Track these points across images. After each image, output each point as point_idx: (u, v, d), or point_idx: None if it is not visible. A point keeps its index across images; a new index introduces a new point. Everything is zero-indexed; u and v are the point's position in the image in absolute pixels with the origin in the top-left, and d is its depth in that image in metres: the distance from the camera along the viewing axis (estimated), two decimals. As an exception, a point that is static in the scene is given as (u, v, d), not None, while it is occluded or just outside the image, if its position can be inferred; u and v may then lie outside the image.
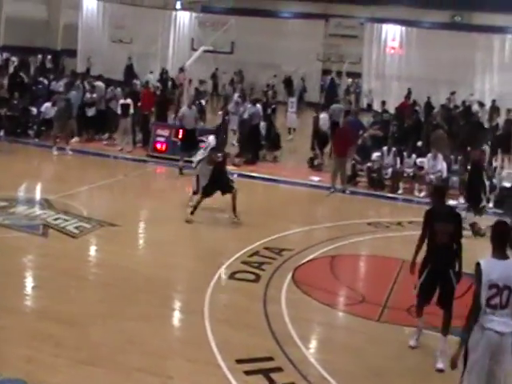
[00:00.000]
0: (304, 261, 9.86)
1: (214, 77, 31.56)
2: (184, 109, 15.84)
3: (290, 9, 34.72)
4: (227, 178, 11.80)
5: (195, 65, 20.61)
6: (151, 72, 28.06)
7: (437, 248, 7.11)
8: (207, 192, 11.45)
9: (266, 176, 15.76)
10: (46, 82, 21.79)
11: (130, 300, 7.97)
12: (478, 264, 5.17)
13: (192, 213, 11.31)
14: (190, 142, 15.17)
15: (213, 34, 20.02)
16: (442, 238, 7.05)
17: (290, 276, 9.14)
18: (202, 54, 20.03)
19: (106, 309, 7.68)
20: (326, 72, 32.92)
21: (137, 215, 12.12)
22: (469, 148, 13.10)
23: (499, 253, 5.22)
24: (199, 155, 12.23)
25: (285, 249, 10.21)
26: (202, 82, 23.38)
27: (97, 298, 8.07)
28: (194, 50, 20.17)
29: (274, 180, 15.55)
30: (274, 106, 18.89)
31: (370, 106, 29.85)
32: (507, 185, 14.43)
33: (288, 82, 30.29)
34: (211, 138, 12.33)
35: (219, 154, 11.69)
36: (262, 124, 17.76)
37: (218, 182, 11.43)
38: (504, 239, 5.26)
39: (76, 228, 10.48)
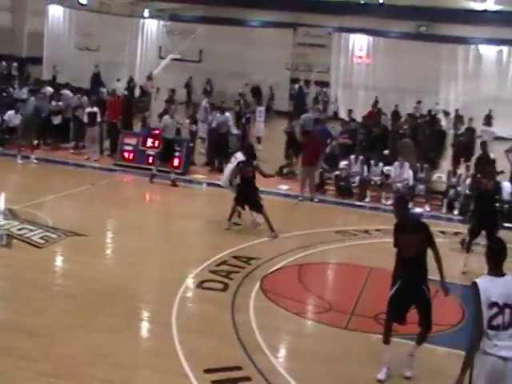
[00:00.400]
0: (272, 269, 9.88)
1: (187, 86, 31.52)
2: (166, 118, 15.79)
3: (259, 18, 34.83)
4: (256, 195, 11.76)
5: (163, 73, 20.56)
6: (118, 80, 27.88)
7: (404, 262, 7.04)
8: (237, 203, 11.59)
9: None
10: (10, 89, 21.47)
11: (96, 311, 7.88)
12: (475, 283, 4.90)
13: (229, 219, 11.71)
14: (169, 151, 15.38)
15: (181, 42, 20.00)
16: (408, 251, 7.00)
17: (258, 285, 9.14)
18: (170, 63, 19.98)
19: (72, 320, 7.57)
20: (294, 81, 33.13)
21: (104, 225, 11.99)
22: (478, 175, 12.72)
23: (496, 270, 4.99)
24: (227, 172, 12.19)
25: (253, 257, 10.22)
26: (172, 90, 23.29)
27: (62, 310, 7.94)
28: (162, 58, 20.12)
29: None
30: (248, 116, 18.90)
31: (336, 114, 30.14)
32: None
33: (256, 91, 30.38)
34: (239, 155, 12.22)
35: (248, 168, 11.75)
36: (236, 133, 17.75)
37: (247, 195, 11.55)
38: (501, 257, 5.05)
39: (41, 238, 10.33)
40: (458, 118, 22.79)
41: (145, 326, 7.89)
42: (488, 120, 22.10)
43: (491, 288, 4.87)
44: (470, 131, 18.39)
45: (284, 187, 15.80)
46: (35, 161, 16.24)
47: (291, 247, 11.00)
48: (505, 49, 30.41)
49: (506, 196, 14.33)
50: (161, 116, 19.03)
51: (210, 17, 32.67)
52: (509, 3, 28.52)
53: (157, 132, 17.02)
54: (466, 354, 4.96)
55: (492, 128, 20.91)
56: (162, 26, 28.84)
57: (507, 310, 4.84)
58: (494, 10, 29.02)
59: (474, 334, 4.91)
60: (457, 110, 25.04)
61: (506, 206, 14.32)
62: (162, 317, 7.86)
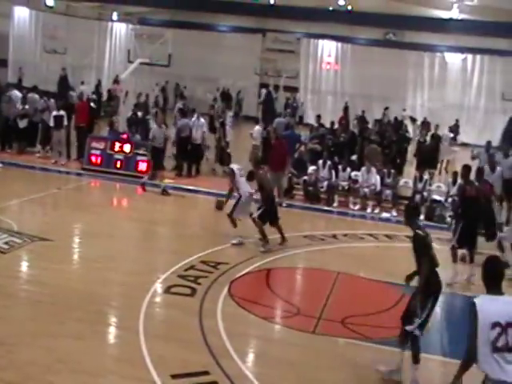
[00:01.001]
0: (240, 274, 9.88)
1: (163, 90, 31.36)
2: (154, 128, 15.56)
3: (228, 23, 34.89)
4: (276, 208, 11.71)
5: (132, 77, 20.42)
6: (83, 83, 27.59)
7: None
8: (264, 220, 11.22)
9: (202, 189, 15.73)
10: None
11: (61, 317, 7.76)
12: (473, 303, 4.72)
13: (265, 242, 11.19)
14: (159, 159, 15.23)
15: (149, 46, 19.88)
16: None
17: (226, 290, 9.13)
18: (138, 67, 19.86)
19: (36, 327, 7.45)
20: (263, 86, 33.26)
21: (70, 230, 11.83)
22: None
23: (495, 290, 4.82)
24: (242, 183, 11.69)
25: (221, 262, 10.20)
26: (139, 94, 23.18)
27: (26, 316, 7.81)
28: (131, 62, 19.97)
29: (212, 193, 15.50)
30: (221, 120, 18.90)
31: (301, 118, 30.32)
32: (436, 197, 14.92)
33: (226, 96, 30.44)
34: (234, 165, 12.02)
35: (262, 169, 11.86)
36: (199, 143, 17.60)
37: (272, 211, 11.35)
38: (500, 276, 4.88)
39: (5, 243, 10.15)
40: (425, 125, 23.22)
41: (111, 331, 7.80)
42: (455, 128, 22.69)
43: (491, 308, 4.69)
44: (436, 138, 18.66)
45: (252, 191, 15.79)
46: (0, 164, 15.97)
47: (258, 252, 11.01)
48: (469, 57, 31.01)
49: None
50: (129, 120, 18.98)
51: (179, 21, 32.64)
52: (473, 12, 29.14)
53: (124, 136, 16.92)
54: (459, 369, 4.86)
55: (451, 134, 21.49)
56: (130, 29, 28.57)
57: (510, 330, 4.63)
58: (459, 18, 29.58)
59: (466, 354, 4.79)
60: (424, 118, 25.52)
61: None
62: (128, 322, 7.79)
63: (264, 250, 11.00)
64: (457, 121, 26.41)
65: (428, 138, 18.97)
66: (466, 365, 4.78)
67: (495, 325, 4.62)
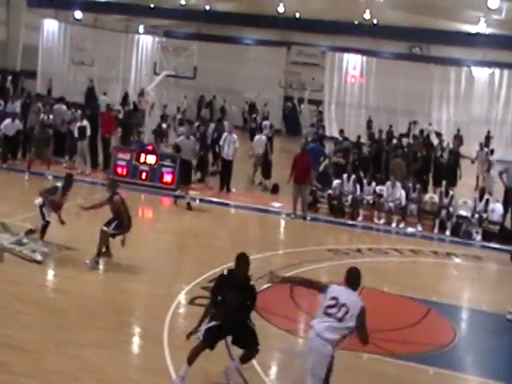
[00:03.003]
0: (264, 287, 9.83)
1: (210, 105, 31.53)
2: (182, 139, 15.39)
3: (253, 36, 35.16)
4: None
5: (158, 89, 20.62)
6: (105, 94, 27.92)
7: None
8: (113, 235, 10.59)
9: (228, 202, 15.75)
10: (2, 102, 21.47)
11: (86, 326, 7.81)
12: None
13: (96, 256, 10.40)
14: (187, 173, 15.08)
15: (175, 58, 20.06)
16: None
17: (250, 302, 9.08)
18: (164, 79, 20.06)
19: (61, 335, 7.50)
20: (287, 99, 33.34)
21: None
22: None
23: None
24: None
25: (245, 275, 10.16)
26: (165, 106, 23.42)
27: (51, 324, 7.87)
28: (157, 74, 20.17)
29: (239, 206, 15.54)
30: (269, 134, 18.95)
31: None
32: (463, 213, 14.75)
33: (253, 109, 30.68)
34: None
35: None
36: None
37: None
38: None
39: (33, 252, 10.24)
40: (457, 139, 22.93)
41: (135, 341, 7.82)
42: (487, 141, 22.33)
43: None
44: (455, 154, 18.11)
45: (276, 204, 15.82)
46: (50, 177, 15.92)
47: (283, 265, 10.97)
48: (496, 71, 30.73)
49: (496, 218, 14.42)
50: (155, 132, 19.14)
51: (204, 34, 33.00)
52: (500, 27, 28.92)
53: (150, 148, 17.05)
54: None
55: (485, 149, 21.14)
56: (156, 42, 28.93)
57: None
58: (487, 33, 29.38)
59: None
60: (458, 130, 25.32)
61: (498, 227, 14.42)
62: (153, 332, 7.79)
63: (90, 264, 10.04)
64: (488, 132, 26.17)
65: (446, 154, 18.46)
66: None
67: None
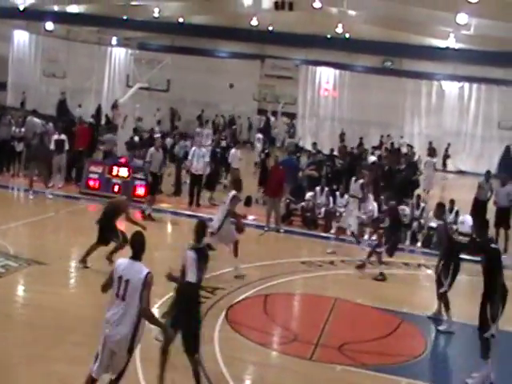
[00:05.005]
0: (237, 300, 9.84)
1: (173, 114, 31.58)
2: (152, 151, 15.33)
3: (227, 48, 35.28)
4: None
5: (130, 102, 20.54)
6: (80, 106, 27.73)
7: None
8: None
9: (201, 214, 15.68)
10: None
11: (58, 341, 7.71)
12: None
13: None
14: (155, 184, 15.15)
15: (148, 71, 20.05)
16: None
17: (223, 315, 9.09)
18: (137, 91, 20.02)
19: (33, 350, 7.39)
20: (261, 112, 33.50)
21: (67, 253, 11.78)
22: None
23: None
24: (220, 214, 11.11)
25: (218, 288, 10.17)
26: (139, 119, 23.33)
27: (23, 340, 7.75)
28: (130, 86, 20.13)
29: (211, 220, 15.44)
30: (266, 151, 19.03)
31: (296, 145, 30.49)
32: (433, 225, 14.91)
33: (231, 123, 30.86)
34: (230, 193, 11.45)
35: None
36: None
37: None
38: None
39: (2, 267, 10.10)
40: (431, 151, 23.33)
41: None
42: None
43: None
44: (412, 166, 18.29)
45: (250, 217, 15.84)
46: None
47: (256, 277, 10.99)
48: (466, 85, 31.32)
49: (466, 229, 14.63)
50: (128, 144, 19.05)
51: (178, 46, 33.00)
52: (470, 41, 29.49)
53: (123, 161, 16.97)
54: None
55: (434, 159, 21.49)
56: (129, 54, 28.88)
57: None
58: (456, 47, 29.93)
59: None
60: (430, 143, 25.77)
61: (467, 238, 14.62)
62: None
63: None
64: (448, 145, 26.76)
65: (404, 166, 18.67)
66: None
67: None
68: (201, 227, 7.16)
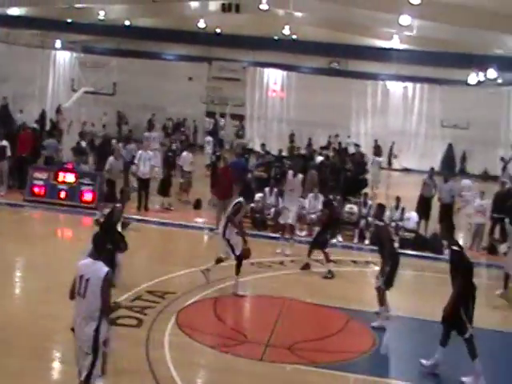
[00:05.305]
0: (187, 303, 9.82)
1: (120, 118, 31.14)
2: (112, 159, 15.18)
3: (174, 51, 35.04)
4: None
5: (76, 106, 20.22)
6: (21, 111, 27.10)
7: None
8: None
9: (150, 219, 15.59)
10: None
11: (1, 355, 7.52)
12: None
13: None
14: (112, 194, 14.90)
15: (94, 74, 19.75)
16: None
17: (173, 319, 9.06)
18: (83, 95, 19.71)
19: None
20: (209, 114, 33.46)
21: (11, 263, 11.51)
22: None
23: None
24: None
25: (168, 292, 10.14)
26: (84, 123, 22.94)
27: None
28: (75, 90, 19.81)
29: (162, 223, 15.38)
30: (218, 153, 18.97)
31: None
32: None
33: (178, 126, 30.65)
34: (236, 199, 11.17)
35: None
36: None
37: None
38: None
39: None
40: (378, 149, 23.79)
41: (55, 367, 7.61)
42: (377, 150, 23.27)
43: None
44: (360, 165, 18.63)
45: (199, 220, 15.82)
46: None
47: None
48: (410, 85, 32.06)
49: (411, 226, 14.98)
50: (74, 149, 18.73)
51: (124, 49, 32.54)
52: (413, 42, 30.18)
53: (69, 166, 16.69)
54: None
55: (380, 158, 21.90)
56: (74, 57, 28.46)
57: None
58: (400, 48, 30.59)
59: None
60: (375, 141, 26.27)
61: (413, 234, 14.99)
62: (72, 356, 7.59)
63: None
64: (393, 143, 27.35)
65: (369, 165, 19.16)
66: None
67: None
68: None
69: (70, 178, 16.21)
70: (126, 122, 30.14)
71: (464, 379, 7.78)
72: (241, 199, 10.94)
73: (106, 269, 5.81)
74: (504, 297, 11.17)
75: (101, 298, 5.74)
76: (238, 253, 10.49)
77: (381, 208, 10.47)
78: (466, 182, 19.22)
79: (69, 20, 29.50)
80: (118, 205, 10.64)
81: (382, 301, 9.55)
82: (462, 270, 7.73)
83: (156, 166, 16.54)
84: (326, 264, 12.03)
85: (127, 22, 31.69)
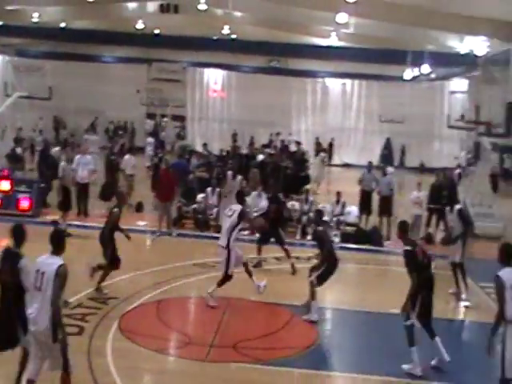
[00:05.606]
0: (130, 308, 9.72)
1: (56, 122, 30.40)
2: (63, 164, 14.87)
3: (112, 53, 34.55)
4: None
5: (10, 112, 19.69)
6: None
7: None
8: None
9: (92, 224, 15.30)
10: None
11: None
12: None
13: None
14: (68, 200, 14.55)
15: (28, 78, 19.27)
16: None
17: (116, 325, 8.95)
18: (17, 100, 19.20)
19: None
20: (150, 116, 33.13)
21: None
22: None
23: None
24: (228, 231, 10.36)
25: (110, 297, 10.00)
26: (19, 129, 22.34)
27: None
28: (8, 95, 19.28)
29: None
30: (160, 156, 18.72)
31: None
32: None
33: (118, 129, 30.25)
34: (235, 207, 10.60)
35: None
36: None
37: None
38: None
39: None
40: (319, 146, 24.11)
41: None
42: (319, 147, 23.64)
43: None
44: (301, 162, 18.89)
45: (141, 223, 15.67)
46: None
47: (149, 284, 10.91)
48: (348, 82, 32.61)
49: (352, 220, 15.26)
50: (9, 156, 18.23)
51: (60, 52, 31.83)
52: (350, 40, 30.74)
53: (4, 173, 16.23)
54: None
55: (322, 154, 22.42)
56: (7, 61, 27.63)
57: None
58: (338, 45, 31.11)
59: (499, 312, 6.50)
60: (317, 138, 26.59)
61: (354, 228, 15.27)
62: (12, 366, 7.40)
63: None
64: (332, 139, 27.89)
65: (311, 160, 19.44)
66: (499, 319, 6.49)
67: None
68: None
69: (6, 185, 15.75)
70: (63, 126, 29.46)
71: (404, 366, 7.99)
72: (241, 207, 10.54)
73: (60, 262, 6.11)
74: (457, 296, 11.25)
75: (51, 290, 6.03)
76: (229, 272, 10.21)
77: (319, 214, 10.84)
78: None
79: (0, 22, 28.71)
80: (115, 209, 10.39)
81: (313, 295, 9.74)
82: (414, 267, 7.97)
83: (95, 170, 16.24)
84: (289, 260, 12.25)
85: (62, 24, 31.10)
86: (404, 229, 8.46)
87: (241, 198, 11.07)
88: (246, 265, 10.62)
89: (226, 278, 10.18)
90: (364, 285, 12.20)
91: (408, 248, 8.10)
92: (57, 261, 6.16)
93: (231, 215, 10.31)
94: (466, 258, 11.17)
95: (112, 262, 10.20)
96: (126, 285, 10.86)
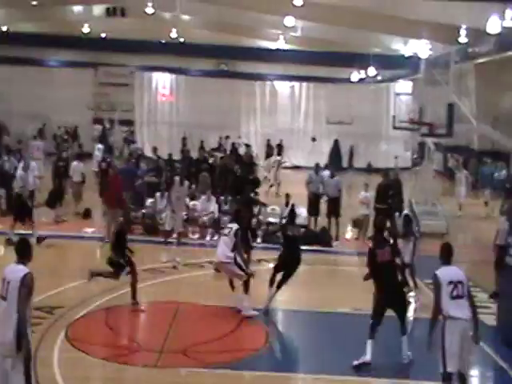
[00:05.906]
0: (77, 317, 9.57)
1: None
2: (20, 173, 14.56)
3: (58, 57, 33.92)
4: None
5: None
6: None
7: None
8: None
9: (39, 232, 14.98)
10: None
11: None
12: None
13: None
14: (26, 207, 14.08)
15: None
16: None
17: (62, 335, 8.80)
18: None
19: None
20: (97, 121, 32.64)
21: None
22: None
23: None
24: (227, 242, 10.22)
25: (56, 307, 9.81)
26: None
27: None
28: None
29: (51, 236, 14.79)
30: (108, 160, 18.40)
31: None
32: (272, 220, 15.56)
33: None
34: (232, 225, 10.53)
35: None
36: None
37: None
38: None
39: None
40: (270, 148, 24.27)
41: None
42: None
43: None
44: (249, 165, 19.02)
45: (89, 230, 15.44)
46: None
47: (97, 291, 10.72)
48: (296, 84, 32.92)
49: (301, 221, 15.40)
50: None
51: (2, 56, 31.02)
52: (297, 43, 31.08)
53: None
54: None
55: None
56: None
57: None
58: (286, 48, 31.41)
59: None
60: (281, 140, 26.78)
61: (303, 229, 15.40)
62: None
63: None
64: (281, 141, 28.29)
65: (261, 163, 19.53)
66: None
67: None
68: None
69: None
70: (7, 133, 28.66)
71: (354, 362, 8.16)
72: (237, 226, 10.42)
73: (26, 271, 5.98)
74: (417, 295, 11.33)
75: (17, 300, 5.89)
76: (248, 272, 10.24)
77: (283, 227, 11.52)
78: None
79: None
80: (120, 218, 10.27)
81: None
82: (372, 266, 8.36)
83: (39, 177, 15.93)
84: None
85: (4, 28, 30.40)
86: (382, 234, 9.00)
87: (237, 216, 10.97)
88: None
89: (248, 279, 10.15)
90: (313, 285, 12.34)
91: (370, 245, 8.53)
92: (22, 269, 6.05)
93: (227, 233, 10.28)
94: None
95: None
96: (73, 293, 10.69)
